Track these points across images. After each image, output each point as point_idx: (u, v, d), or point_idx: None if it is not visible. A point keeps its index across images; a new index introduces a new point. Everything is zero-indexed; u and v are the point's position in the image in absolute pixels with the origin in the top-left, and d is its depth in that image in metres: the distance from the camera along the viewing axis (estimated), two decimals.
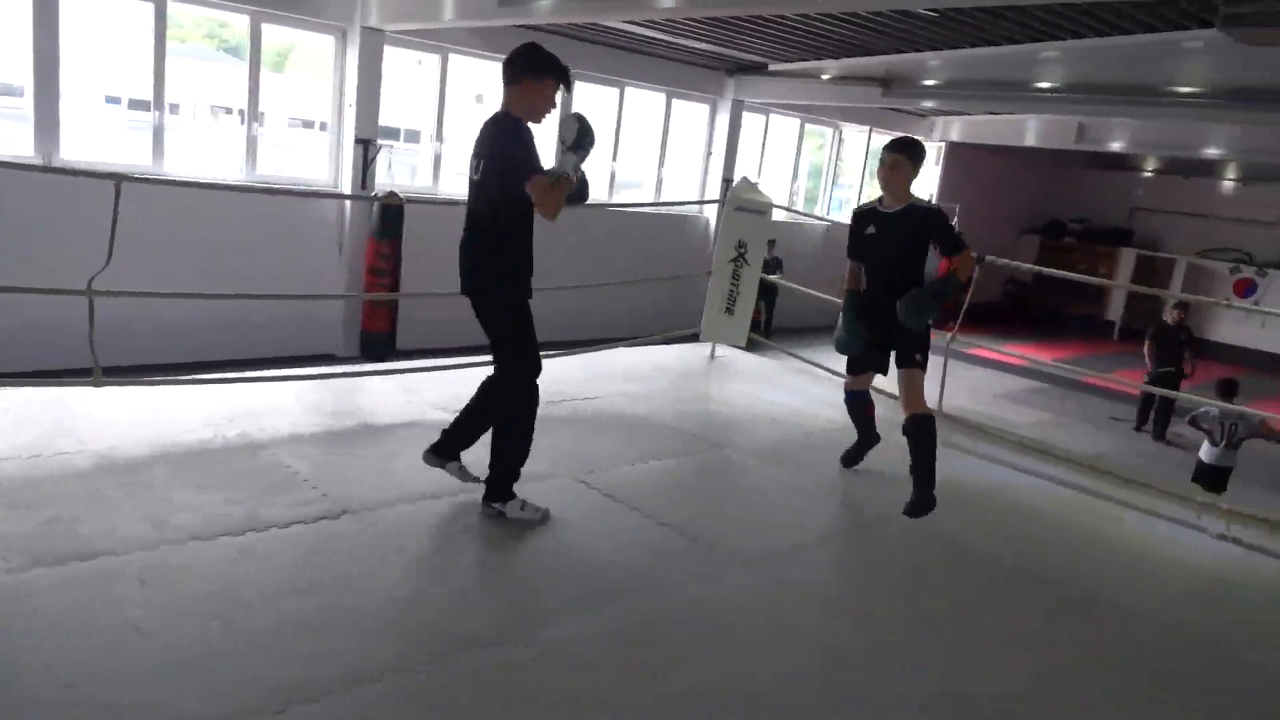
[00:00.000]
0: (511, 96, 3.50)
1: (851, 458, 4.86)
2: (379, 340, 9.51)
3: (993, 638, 3.34)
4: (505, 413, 3.68)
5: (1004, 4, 6.49)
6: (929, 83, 10.88)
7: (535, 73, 3.47)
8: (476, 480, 3.81)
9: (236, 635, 2.73)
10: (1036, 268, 7.07)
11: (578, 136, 3.40)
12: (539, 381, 3.69)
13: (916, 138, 4.34)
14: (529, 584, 3.34)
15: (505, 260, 3.57)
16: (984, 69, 9.71)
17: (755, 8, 7.00)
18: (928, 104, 12.09)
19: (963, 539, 4.16)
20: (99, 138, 11.26)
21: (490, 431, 3.71)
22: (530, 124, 3.48)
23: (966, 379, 9.61)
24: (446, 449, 3.84)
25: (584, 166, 3.50)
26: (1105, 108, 10.40)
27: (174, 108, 10.22)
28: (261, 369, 5.74)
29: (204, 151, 13.46)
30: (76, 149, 8.24)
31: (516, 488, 3.74)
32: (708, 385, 6.57)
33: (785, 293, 10.30)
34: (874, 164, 15.52)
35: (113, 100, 15.03)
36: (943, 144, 15.29)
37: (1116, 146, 13.16)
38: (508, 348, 3.67)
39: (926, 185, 15.45)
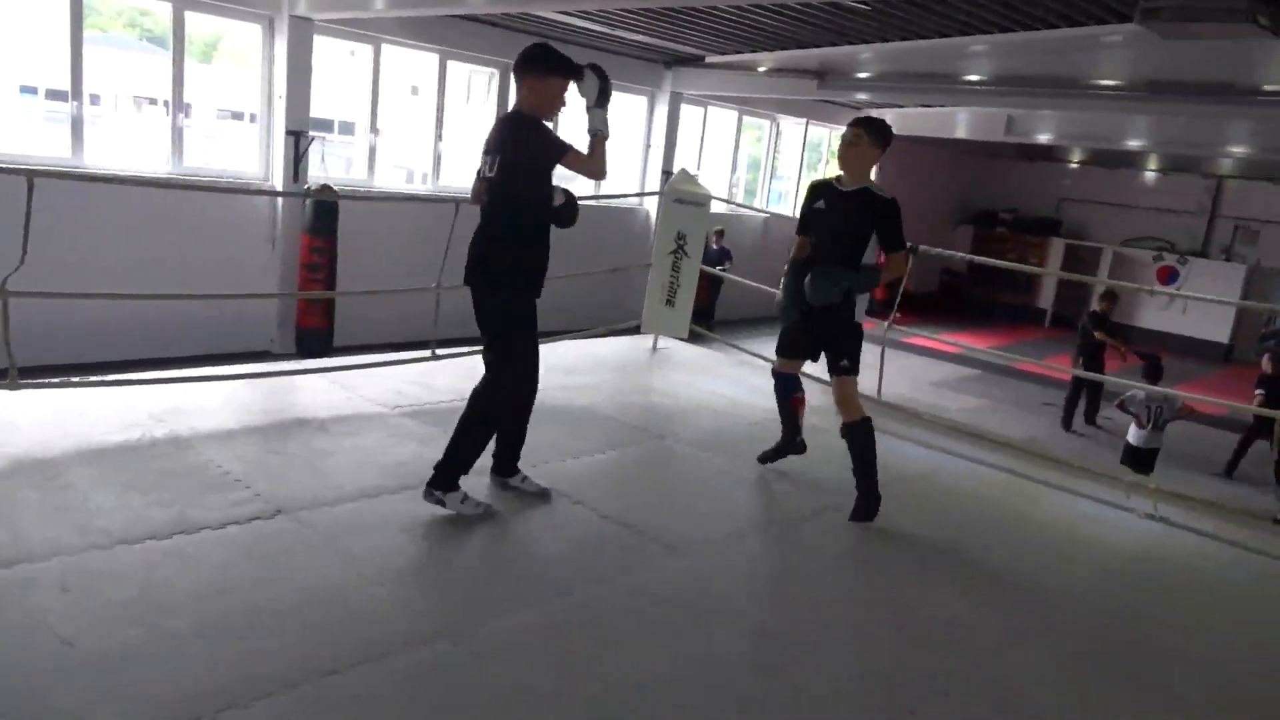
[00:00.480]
0: (521, 95, 3.56)
1: (770, 455, 4.64)
2: (315, 337, 9.32)
3: (921, 619, 3.41)
4: (485, 406, 3.67)
5: None
6: (862, 75, 11.03)
7: (542, 72, 3.51)
8: (544, 490, 3.98)
9: (162, 641, 2.65)
10: (970, 256, 7.22)
11: (600, 92, 3.55)
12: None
13: (882, 119, 4.10)
14: (469, 580, 3.31)
15: (519, 256, 3.59)
16: (915, 62, 9.88)
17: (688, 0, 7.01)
18: (861, 96, 12.26)
19: (895, 524, 4.23)
20: (14, 129, 10.81)
21: (460, 417, 3.71)
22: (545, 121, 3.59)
23: (904, 367, 9.79)
24: (503, 467, 3.97)
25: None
26: (1032, 100, 10.66)
27: (95, 99, 9.86)
28: (194, 367, 5.58)
29: (127, 144, 13.02)
30: None
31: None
32: (650, 377, 6.58)
33: (726, 284, 10.35)
34: (811, 155, 15.76)
35: (28, 90, 14.45)
36: None
37: (1044, 139, 13.51)
38: (504, 343, 3.68)
39: None
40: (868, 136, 3.96)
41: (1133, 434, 7.94)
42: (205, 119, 12.06)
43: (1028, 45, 7.70)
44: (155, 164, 8.85)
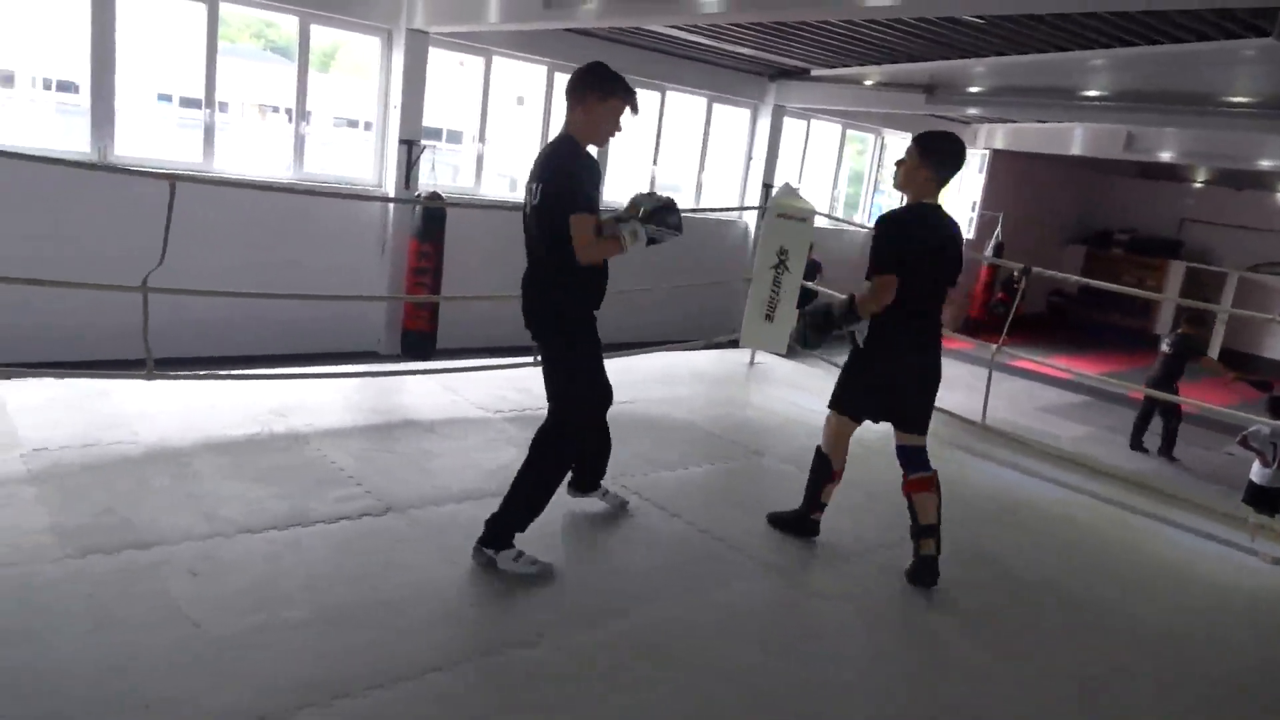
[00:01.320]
0: (574, 117, 3.30)
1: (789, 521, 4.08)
2: (420, 339, 9.60)
3: (1022, 653, 3.30)
4: (536, 458, 3.38)
5: (1051, 12, 6.42)
6: (973, 90, 10.76)
7: (601, 93, 3.26)
8: (623, 503, 4.00)
9: (280, 628, 2.79)
10: (1082, 279, 6.96)
11: (654, 211, 3.23)
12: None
13: (944, 131, 3.63)
14: (565, 587, 3.36)
15: (563, 301, 3.32)
16: (1030, 76, 9.58)
17: (799, 13, 6.97)
18: (972, 111, 11.95)
19: (997, 554, 4.11)
20: (151, 135, 11.51)
21: (520, 468, 3.41)
22: (592, 146, 3.34)
23: (1009, 391, 9.48)
24: (582, 483, 3.94)
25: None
26: (1154, 117, 10.20)
27: (223, 106, 10.41)
28: (306, 364, 5.84)
29: (252, 150, 13.69)
30: (130, 145, 8.43)
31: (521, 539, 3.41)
32: (746, 392, 6.56)
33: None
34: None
35: (164, 98, 15.36)
36: (987, 152, 15.11)
37: (1166, 156, 12.90)
38: (557, 390, 3.44)
39: (969, 193, 15.29)
40: (917, 153, 3.52)
41: (1256, 472, 7.49)
42: (322, 126, 12.60)
43: (1151, 59, 7.40)
44: (277, 169, 9.29)
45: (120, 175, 6.66)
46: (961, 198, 15.37)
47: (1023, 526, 4.58)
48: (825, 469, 3.87)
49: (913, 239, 3.48)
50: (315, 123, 10.65)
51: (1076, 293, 17.20)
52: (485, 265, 9.71)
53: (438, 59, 9.82)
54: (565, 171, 3.20)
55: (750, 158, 12.83)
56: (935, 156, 3.52)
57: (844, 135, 14.05)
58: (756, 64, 11.35)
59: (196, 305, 7.92)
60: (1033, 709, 2.95)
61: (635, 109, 3.38)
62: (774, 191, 7.22)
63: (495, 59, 10.32)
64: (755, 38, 9.57)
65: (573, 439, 3.45)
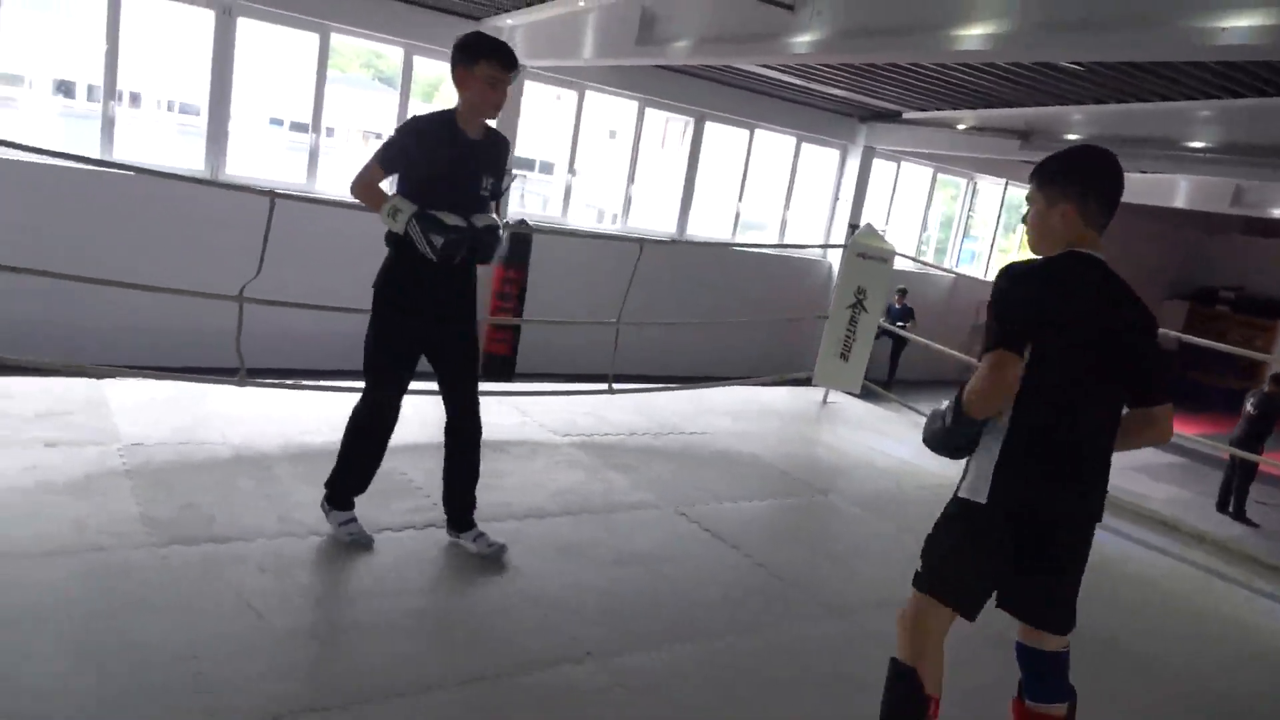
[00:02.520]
0: (459, 96, 3.16)
1: None
2: (499, 363, 9.82)
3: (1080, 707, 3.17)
4: (350, 421, 3.40)
5: (1155, 60, 6.27)
6: (1071, 136, 10.52)
7: (467, 62, 3.08)
8: (500, 546, 3.51)
9: (339, 628, 2.89)
10: (1181, 335, 6.71)
11: (432, 220, 3.04)
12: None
13: (1075, 147, 2.47)
14: (620, 610, 3.37)
15: (388, 265, 3.29)
16: (1131, 125, 9.33)
17: (889, 55, 6.97)
18: None
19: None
20: (261, 156, 12.13)
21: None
22: (482, 117, 3.17)
23: None
24: (449, 520, 3.57)
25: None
26: (1265, 171, 9.80)
27: (330, 131, 10.94)
28: None
29: (353, 173, 14.26)
30: (241, 165, 8.93)
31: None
32: (817, 430, 6.50)
33: (909, 345, 10.08)
34: (1010, 217, 15.13)
35: (276, 122, 16.13)
36: None
37: (1278, 213, 12.35)
38: (364, 360, 3.38)
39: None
40: (1036, 190, 2.32)
41: None
42: None
43: (1262, 111, 7.14)
44: None
45: (228, 192, 7.05)
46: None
47: (1093, 585, 4.41)
48: (916, 705, 2.26)
49: (1056, 303, 2.18)
50: None
51: (1176, 349, 16.51)
52: (568, 294, 9.91)
53: (533, 92, 10.13)
54: (397, 130, 3.24)
55: (837, 199, 12.80)
56: (1074, 178, 2.24)
57: (934, 179, 13.89)
58: (847, 105, 11.35)
59: (287, 318, 8.28)
60: None
61: (507, 66, 3.11)
62: (856, 232, 7.19)
63: (588, 93, 10.58)
64: (847, 79, 9.59)
65: (367, 402, 3.38)
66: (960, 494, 2.28)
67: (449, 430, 3.50)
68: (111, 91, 8.30)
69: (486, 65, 3.08)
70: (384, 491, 3.94)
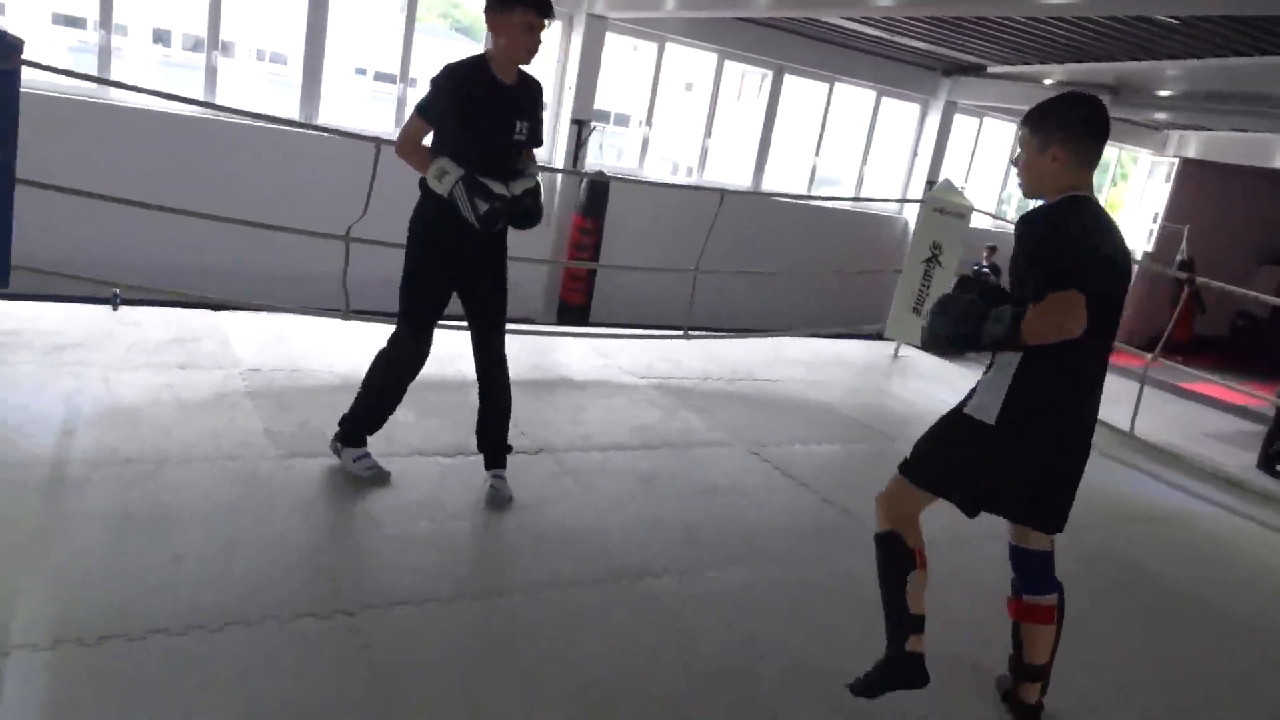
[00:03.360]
0: (492, 41, 3.19)
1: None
2: (575, 311, 10.09)
3: (1163, 653, 3.32)
4: (374, 360, 3.47)
5: (1257, 14, 6.10)
6: (1164, 93, 10.23)
7: (502, 6, 3.08)
8: (506, 497, 3.52)
9: (445, 535, 3.21)
10: (1276, 300, 6.62)
11: (479, 186, 3.08)
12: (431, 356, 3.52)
13: (1057, 95, 2.53)
14: (696, 534, 3.61)
15: (423, 208, 3.32)
16: (1229, 81, 9.03)
17: (979, 8, 6.91)
18: (1161, 116, 11.35)
19: (1131, 557, 4.07)
20: (349, 105, 12.51)
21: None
22: (516, 63, 3.19)
23: (1176, 414, 9.04)
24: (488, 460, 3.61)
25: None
26: None
27: (413, 81, 11.25)
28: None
29: None
30: (331, 114, 9.28)
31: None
32: (888, 381, 6.63)
33: None
34: (1097, 176, 14.75)
35: (360, 72, 16.49)
36: (1176, 160, 14.25)
37: None
38: (399, 299, 3.42)
39: (1151, 203, 14.46)
40: (1029, 134, 2.44)
41: None
42: None
43: None
44: None
45: (325, 139, 7.38)
46: (1143, 207, 14.57)
47: (1164, 536, 4.51)
48: (902, 557, 2.49)
49: (1092, 244, 2.31)
50: None
51: (1268, 316, 15.95)
52: (642, 244, 10.10)
53: (613, 43, 10.24)
54: (434, 76, 3.17)
55: (916, 154, 12.65)
56: (1063, 124, 2.38)
57: (1017, 135, 13.60)
58: (930, 58, 11.18)
59: (384, 262, 8.67)
60: (1186, 698, 2.99)
61: (543, 11, 3.12)
62: (934, 187, 7.20)
63: (668, 45, 10.64)
64: (931, 32, 9.47)
65: (396, 343, 3.41)
66: (966, 410, 2.45)
67: (480, 375, 3.55)
68: (214, 41, 8.70)
69: (523, 12, 3.07)
70: (468, 421, 4.25)
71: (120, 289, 4.87)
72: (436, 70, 3.19)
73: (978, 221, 9.01)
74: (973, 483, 2.47)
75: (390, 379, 3.45)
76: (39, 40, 4.06)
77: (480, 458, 3.58)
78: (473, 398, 4.48)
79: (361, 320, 5.10)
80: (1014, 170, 2.50)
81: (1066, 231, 2.31)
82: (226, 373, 4.30)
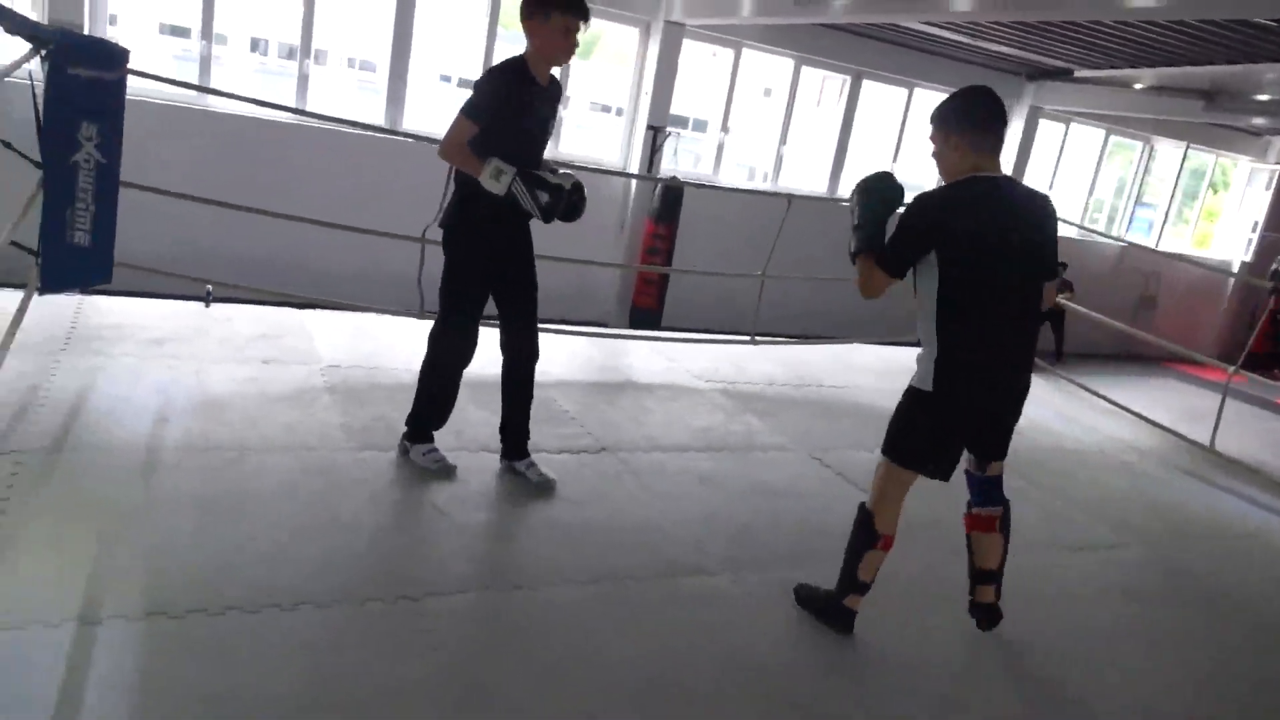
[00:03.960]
0: (528, 42, 3.27)
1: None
2: (647, 314, 10.18)
3: (1203, 664, 3.22)
4: (426, 354, 3.57)
5: None
6: (1262, 98, 9.81)
7: (543, 13, 3.18)
8: (550, 480, 3.65)
9: (508, 527, 3.33)
10: None
11: (539, 179, 3.19)
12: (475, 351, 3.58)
13: (970, 89, 2.87)
14: (752, 534, 3.64)
15: (457, 193, 3.39)
16: None
17: (1066, 14, 6.75)
18: (1259, 121, 10.88)
19: (1196, 570, 3.95)
20: (433, 111, 12.86)
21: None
22: (552, 65, 3.31)
23: (1260, 429, 8.66)
24: (504, 450, 3.74)
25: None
26: None
27: None
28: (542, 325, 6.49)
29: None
30: (416, 120, 9.58)
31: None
32: None
33: (1072, 316, 9.76)
34: (1191, 183, 14.17)
35: (445, 79, 16.94)
36: (1277, 168, 13.62)
37: None
38: (439, 292, 3.51)
39: (1249, 213, 13.85)
40: (935, 129, 2.79)
41: None
42: (580, 110, 13.55)
43: None
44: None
45: (410, 144, 7.63)
46: (1241, 215, 13.97)
47: (1243, 551, 4.35)
48: (867, 532, 2.90)
49: (956, 228, 2.64)
50: (574, 106, 11.51)
51: None
52: (716, 250, 10.13)
53: (689, 49, 10.31)
54: (479, 80, 3.27)
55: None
56: (955, 117, 2.73)
57: (1106, 141, 13.19)
58: (1013, 63, 10.94)
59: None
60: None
61: (581, 16, 3.22)
62: None
63: (745, 51, 10.66)
64: (1015, 36, 9.28)
65: (448, 332, 3.50)
66: (912, 384, 2.81)
67: (507, 367, 3.62)
68: (307, 50, 9.08)
69: (561, 16, 3.17)
70: (544, 419, 4.36)
71: (212, 287, 5.15)
72: (486, 73, 3.32)
73: (1064, 231, 8.78)
74: (935, 447, 2.80)
75: (443, 377, 3.57)
76: (147, 49, 4.34)
77: (539, 452, 3.67)
78: (545, 396, 4.61)
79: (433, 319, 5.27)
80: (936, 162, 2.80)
81: (931, 215, 2.71)
82: (308, 368, 4.50)
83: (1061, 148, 12.85)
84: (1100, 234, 12.87)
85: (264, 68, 17.12)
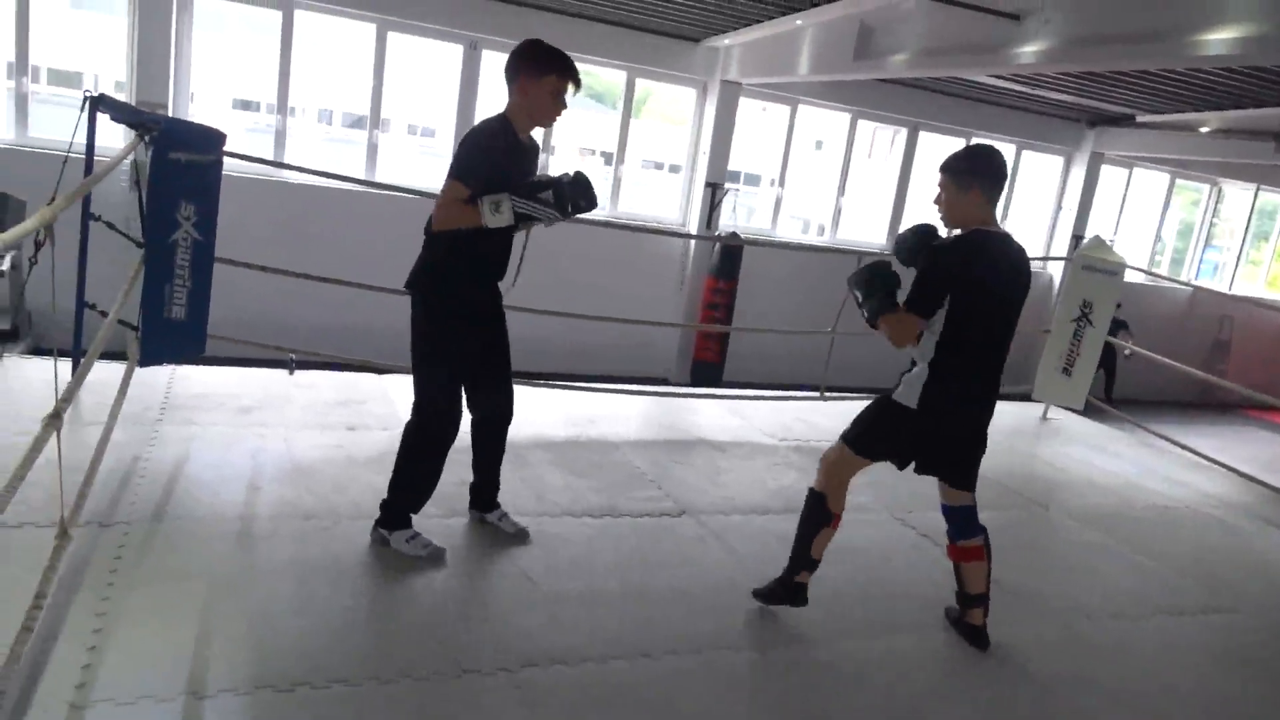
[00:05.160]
0: (511, 99, 3.20)
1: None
2: (709, 368, 10.21)
3: None
4: (404, 440, 3.36)
5: None
6: None
7: (536, 72, 3.12)
8: (522, 530, 3.63)
9: (597, 594, 3.30)
10: None
11: (533, 186, 3.11)
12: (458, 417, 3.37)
13: (969, 148, 3.27)
14: (840, 600, 3.58)
15: (428, 261, 3.27)
16: None
17: (1129, 63, 6.71)
18: None
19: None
20: None
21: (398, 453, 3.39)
22: (537, 126, 3.25)
23: None
24: (475, 502, 3.72)
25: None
26: None
27: (552, 150, 11.81)
28: (604, 384, 6.53)
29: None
30: None
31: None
32: (1036, 444, 6.38)
33: (1136, 361, 9.53)
34: (1262, 224, 13.82)
35: None
36: None
37: None
38: (413, 364, 3.35)
39: None
40: (949, 181, 3.10)
41: None
42: (633, 168, 13.80)
43: None
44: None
45: None
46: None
47: None
48: (821, 513, 3.22)
49: (974, 275, 2.99)
50: (629, 165, 11.73)
51: None
52: (776, 304, 10.15)
53: (743, 106, 10.46)
54: (466, 142, 3.16)
55: (1060, 208, 12.27)
56: (980, 173, 3.06)
57: (1172, 185, 12.99)
58: (1074, 110, 10.89)
59: (523, 323, 9.04)
60: None
61: (574, 80, 3.16)
62: (1082, 243, 6.98)
63: (800, 106, 10.78)
64: (1075, 83, 9.25)
65: (428, 420, 3.30)
66: (894, 397, 3.12)
67: (481, 421, 3.54)
68: (375, 120, 9.42)
69: (557, 79, 3.12)
70: (622, 482, 4.39)
71: (295, 354, 5.30)
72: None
73: (1130, 277, 8.64)
74: (902, 451, 3.18)
75: (429, 459, 3.36)
76: (222, 123, 4.61)
77: (605, 517, 3.66)
78: (620, 458, 4.63)
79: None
80: (938, 208, 3.16)
81: (955, 264, 3.01)
82: (390, 433, 4.56)
83: (1125, 193, 12.69)
84: (1169, 279, 12.61)
85: (330, 137, 17.77)
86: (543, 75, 3.12)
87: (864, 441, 3.18)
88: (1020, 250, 3.14)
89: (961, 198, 3.06)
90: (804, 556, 3.24)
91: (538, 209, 3.09)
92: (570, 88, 3.17)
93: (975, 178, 3.04)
